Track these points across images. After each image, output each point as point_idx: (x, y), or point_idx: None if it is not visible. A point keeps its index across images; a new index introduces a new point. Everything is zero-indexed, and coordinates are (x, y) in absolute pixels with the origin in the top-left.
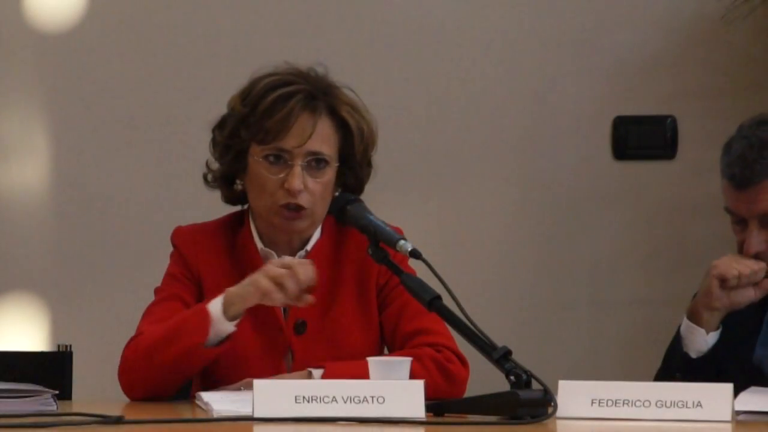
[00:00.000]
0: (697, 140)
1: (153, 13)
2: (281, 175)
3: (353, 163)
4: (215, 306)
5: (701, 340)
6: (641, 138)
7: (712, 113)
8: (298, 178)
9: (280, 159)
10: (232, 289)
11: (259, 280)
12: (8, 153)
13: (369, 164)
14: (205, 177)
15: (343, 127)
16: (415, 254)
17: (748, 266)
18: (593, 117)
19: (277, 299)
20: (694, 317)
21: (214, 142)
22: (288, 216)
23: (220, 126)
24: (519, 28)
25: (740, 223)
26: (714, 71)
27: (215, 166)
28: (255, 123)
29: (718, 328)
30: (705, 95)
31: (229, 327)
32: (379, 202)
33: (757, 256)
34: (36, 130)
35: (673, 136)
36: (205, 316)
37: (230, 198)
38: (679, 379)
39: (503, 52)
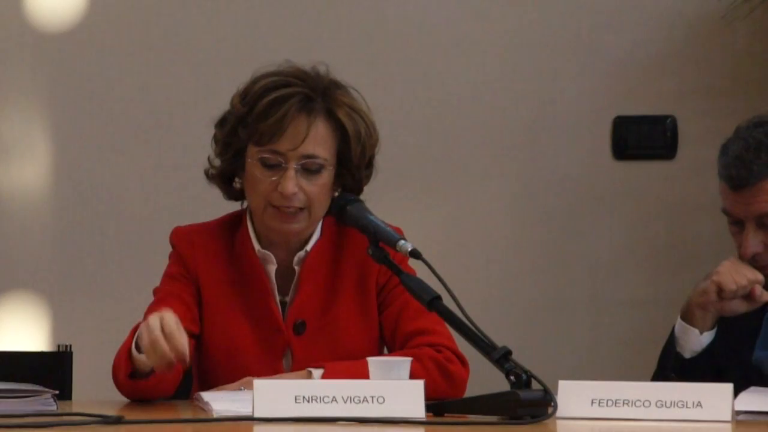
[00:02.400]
0: (697, 140)
1: (153, 12)
2: (275, 178)
3: (351, 165)
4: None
5: (695, 340)
6: (641, 138)
7: (712, 113)
8: (291, 182)
9: (275, 161)
10: (144, 324)
11: (142, 334)
12: (8, 153)
13: (369, 165)
14: (206, 172)
15: (340, 129)
16: (415, 254)
17: (745, 277)
18: (593, 117)
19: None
20: (687, 317)
21: (215, 139)
22: (283, 218)
23: (221, 123)
24: (519, 28)
25: (737, 224)
26: (714, 71)
27: (216, 162)
28: (252, 124)
29: (712, 328)
30: (705, 95)
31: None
32: (380, 202)
33: (754, 258)
34: (36, 130)
35: (673, 136)
36: (128, 350)
37: (230, 195)
38: (675, 380)
39: (503, 52)
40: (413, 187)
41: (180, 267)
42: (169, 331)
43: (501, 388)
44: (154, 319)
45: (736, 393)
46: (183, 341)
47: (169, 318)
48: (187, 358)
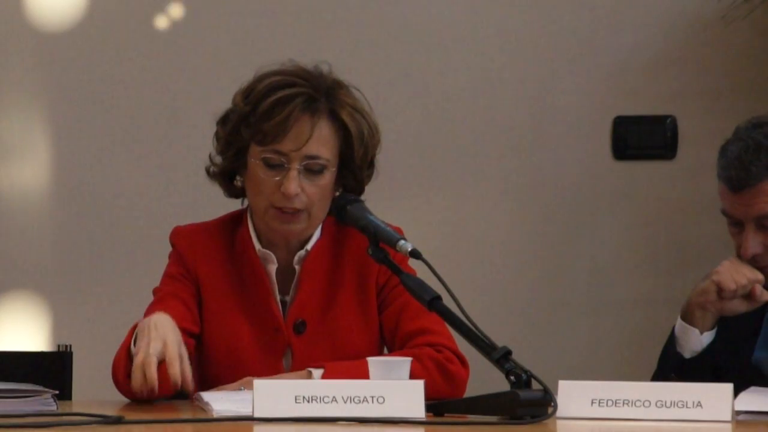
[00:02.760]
0: (697, 140)
1: (153, 12)
2: (278, 178)
3: (353, 166)
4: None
5: (695, 340)
6: (641, 138)
7: (712, 113)
8: (293, 182)
9: (278, 161)
10: (142, 323)
11: (138, 357)
12: (8, 153)
13: (371, 166)
14: (207, 170)
15: (343, 130)
16: (415, 254)
17: (745, 276)
18: (593, 117)
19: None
20: (687, 317)
21: (217, 136)
22: (283, 218)
23: (223, 121)
24: (519, 28)
25: (737, 225)
26: (714, 71)
27: (217, 159)
28: (255, 123)
29: (712, 328)
30: (705, 95)
31: None
32: (380, 202)
33: (754, 259)
34: (36, 130)
35: (673, 136)
36: (126, 350)
37: (231, 193)
38: (675, 380)
39: (503, 53)
40: (413, 187)
41: (180, 267)
42: (170, 360)
43: (501, 388)
44: (156, 344)
45: (736, 393)
46: (176, 371)
47: (173, 348)
48: (178, 385)
